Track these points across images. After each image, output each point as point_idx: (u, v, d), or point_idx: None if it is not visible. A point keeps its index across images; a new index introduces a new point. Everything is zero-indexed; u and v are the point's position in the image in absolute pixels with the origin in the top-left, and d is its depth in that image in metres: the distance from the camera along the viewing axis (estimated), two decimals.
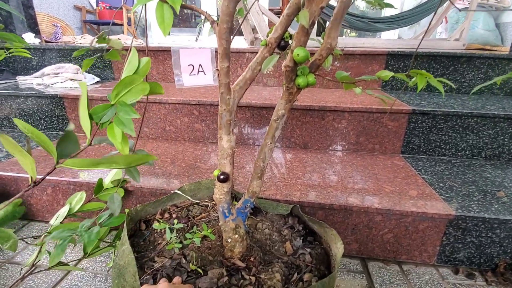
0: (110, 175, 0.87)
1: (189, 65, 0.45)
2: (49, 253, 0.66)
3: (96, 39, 0.53)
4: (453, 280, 0.80)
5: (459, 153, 1.13)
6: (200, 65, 0.45)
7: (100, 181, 0.84)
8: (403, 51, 1.36)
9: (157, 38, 3.64)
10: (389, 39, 2.21)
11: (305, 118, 1.17)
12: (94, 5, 3.43)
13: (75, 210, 0.78)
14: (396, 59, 1.38)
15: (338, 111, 1.13)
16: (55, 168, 0.41)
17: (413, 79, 0.51)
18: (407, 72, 0.50)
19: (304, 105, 1.13)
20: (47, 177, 0.94)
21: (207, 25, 0.53)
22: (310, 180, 0.94)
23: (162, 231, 0.64)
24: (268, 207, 0.73)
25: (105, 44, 0.55)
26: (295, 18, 0.47)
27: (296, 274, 0.54)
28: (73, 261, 0.84)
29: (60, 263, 0.72)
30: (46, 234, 0.62)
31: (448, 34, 3.13)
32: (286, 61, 0.42)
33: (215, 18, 0.46)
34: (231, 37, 0.43)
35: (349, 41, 2.15)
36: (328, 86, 1.49)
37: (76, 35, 2.64)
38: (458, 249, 0.83)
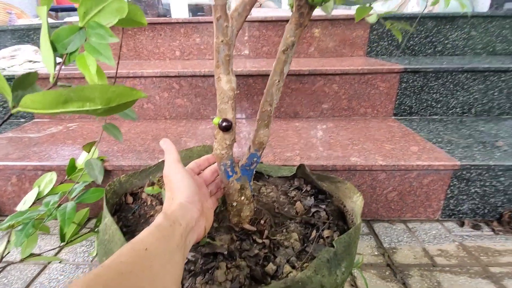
0: (83, 155, 0.76)
1: None
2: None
3: None
4: (460, 233, 0.78)
5: (450, 111, 1.12)
6: None
7: (73, 161, 0.73)
8: (386, 15, 1.32)
9: None
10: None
11: (294, 84, 1.10)
12: None
13: (45, 193, 0.67)
14: (379, 23, 1.34)
15: (329, 75, 1.07)
16: (11, 114, 0.31)
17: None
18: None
19: (293, 70, 1.06)
20: (10, 163, 0.81)
21: None
22: (308, 145, 0.88)
23: (154, 203, 0.55)
24: (271, 171, 0.67)
25: None
26: None
27: (314, 231, 0.48)
28: (49, 250, 0.72)
29: (33, 255, 0.61)
30: (7, 220, 0.51)
31: (420, 7, 3.18)
32: None
33: None
34: None
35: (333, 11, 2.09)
36: (313, 56, 1.43)
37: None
38: (462, 202, 0.81)
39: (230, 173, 0.48)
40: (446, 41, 1.37)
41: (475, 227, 0.79)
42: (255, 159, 0.48)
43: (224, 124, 0.42)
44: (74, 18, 1.86)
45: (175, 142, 0.94)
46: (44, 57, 0.33)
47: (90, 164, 0.46)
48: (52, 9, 3.18)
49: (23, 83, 0.35)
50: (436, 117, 1.12)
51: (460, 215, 0.83)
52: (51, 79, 0.33)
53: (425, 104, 1.11)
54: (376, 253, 0.72)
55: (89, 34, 0.32)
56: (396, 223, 0.83)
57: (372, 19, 0.48)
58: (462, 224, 0.81)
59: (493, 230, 0.78)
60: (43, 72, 1.03)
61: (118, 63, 0.65)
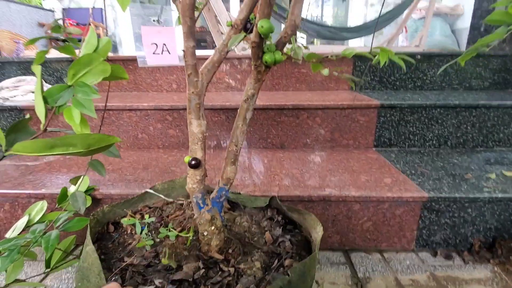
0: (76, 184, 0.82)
1: (152, 44, 0.44)
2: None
3: (51, 27, 0.50)
4: (432, 263, 0.81)
5: (427, 143, 1.18)
6: (164, 44, 0.44)
7: (64, 190, 0.78)
8: (367, 53, 1.43)
9: (128, 52, 3.59)
10: (356, 47, 2.33)
11: (280, 117, 1.17)
12: (60, 22, 3.33)
13: (35, 221, 0.71)
14: (362, 61, 1.44)
15: (312, 109, 1.15)
16: (4, 156, 0.37)
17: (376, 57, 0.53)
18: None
19: (279, 105, 1.14)
20: (5, 191, 0.86)
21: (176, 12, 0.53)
22: (288, 176, 0.93)
23: (133, 232, 0.60)
24: (246, 202, 0.71)
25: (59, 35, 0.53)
26: None
27: (276, 261, 0.52)
28: (35, 276, 0.75)
29: (18, 280, 0.65)
30: None
31: (409, 43, 3.37)
32: (252, 37, 0.42)
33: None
34: (196, 16, 0.43)
35: (319, 48, 2.24)
36: (301, 89, 1.52)
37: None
38: (434, 232, 0.84)
39: (202, 205, 0.53)
40: (424, 77, 1.47)
41: (448, 257, 0.82)
42: (223, 192, 0.53)
43: (193, 162, 0.48)
44: None
45: (164, 171, 1.00)
46: (37, 108, 0.39)
47: (75, 196, 0.52)
48: (59, 40, 3.38)
49: (16, 128, 0.41)
50: (414, 149, 1.18)
51: (434, 245, 0.86)
52: (41, 127, 0.39)
53: (403, 137, 1.17)
54: (350, 283, 0.75)
55: (76, 91, 0.39)
56: (372, 252, 0.86)
57: (325, 72, 0.56)
58: (435, 254, 0.83)
59: (463, 260, 0.80)
60: None
61: (107, 98, 0.72)
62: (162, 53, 0.44)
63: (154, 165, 1.05)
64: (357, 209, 0.83)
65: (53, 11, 3.30)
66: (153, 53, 0.44)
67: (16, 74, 1.54)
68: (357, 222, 0.85)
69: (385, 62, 0.52)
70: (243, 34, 0.43)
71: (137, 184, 0.89)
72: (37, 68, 0.40)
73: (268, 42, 0.44)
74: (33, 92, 1.41)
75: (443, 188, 0.83)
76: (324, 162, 1.05)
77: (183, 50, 0.44)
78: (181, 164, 1.05)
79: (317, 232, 0.56)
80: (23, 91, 1.40)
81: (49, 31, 0.53)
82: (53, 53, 2.06)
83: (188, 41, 0.44)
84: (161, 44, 0.43)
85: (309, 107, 1.14)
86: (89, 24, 0.45)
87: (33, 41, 0.48)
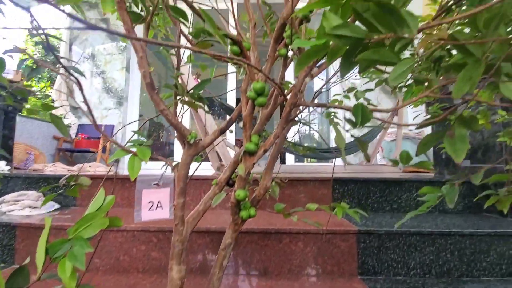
0: None
1: (149, 202, 0.54)
2: None
3: (65, 179, 0.62)
4: None
5: (411, 272, 1.18)
6: (159, 201, 0.54)
7: None
8: (344, 177, 1.60)
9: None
10: (338, 165, 2.58)
11: (263, 241, 1.20)
12: (73, 136, 3.70)
13: None
14: (340, 184, 1.59)
15: (293, 233, 1.19)
16: None
17: (335, 210, 0.63)
18: (330, 205, 0.63)
19: (261, 229, 1.19)
20: None
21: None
22: None
23: None
24: None
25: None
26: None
27: None
28: None
29: None
30: None
31: (386, 160, 3.73)
32: (231, 199, 0.53)
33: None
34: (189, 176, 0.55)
35: (305, 168, 2.47)
36: (286, 209, 1.60)
37: (47, 162, 2.72)
38: None
39: None
40: (399, 200, 1.59)
41: None
42: None
43: None
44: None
45: None
46: (38, 258, 0.45)
47: None
48: (67, 150, 3.66)
49: (16, 274, 0.46)
50: (399, 277, 1.17)
51: None
52: (37, 277, 0.44)
53: (386, 264, 1.18)
54: None
55: (74, 244, 0.45)
56: None
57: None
58: None
59: None
60: (38, 223, 1.16)
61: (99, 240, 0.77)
62: (156, 209, 0.53)
63: None
64: None
65: (69, 126, 3.70)
66: (149, 210, 0.53)
67: (20, 188, 1.63)
68: None
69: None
70: (224, 194, 0.54)
71: None
72: (48, 220, 0.48)
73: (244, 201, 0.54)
74: (30, 207, 1.46)
75: None
76: None
77: (174, 205, 0.54)
78: None
79: None
80: (21, 206, 1.45)
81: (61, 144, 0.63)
82: (60, 166, 2.22)
83: (179, 198, 0.54)
84: (156, 201, 0.53)
85: (291, 231, 1.19)
86: (101, 185, 0.56)
87: (46, 191, 0.58)
